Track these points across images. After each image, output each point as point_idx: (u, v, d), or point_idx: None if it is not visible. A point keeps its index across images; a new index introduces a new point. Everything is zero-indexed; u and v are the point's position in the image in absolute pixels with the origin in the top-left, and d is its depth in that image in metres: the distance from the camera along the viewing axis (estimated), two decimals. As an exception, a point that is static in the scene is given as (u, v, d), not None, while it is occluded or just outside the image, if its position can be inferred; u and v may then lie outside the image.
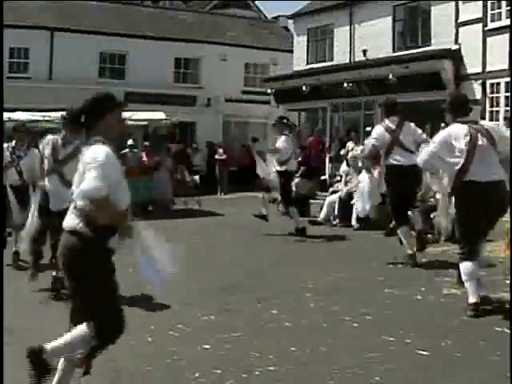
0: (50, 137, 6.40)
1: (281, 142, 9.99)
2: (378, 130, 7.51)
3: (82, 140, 3.56)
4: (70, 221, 3.35)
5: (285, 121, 10.65)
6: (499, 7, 15.07)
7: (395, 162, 7.29)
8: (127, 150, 14.35)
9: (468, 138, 5.16)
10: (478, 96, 15.47)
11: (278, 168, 9.97)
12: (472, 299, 5.19)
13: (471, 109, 5.67)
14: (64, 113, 6.17)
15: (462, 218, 5.29)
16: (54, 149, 6.19)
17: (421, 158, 5.65)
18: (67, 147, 6.13)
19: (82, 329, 3.38)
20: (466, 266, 5.24)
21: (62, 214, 4.84)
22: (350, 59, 19.70)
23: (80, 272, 3.31)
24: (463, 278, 5.28)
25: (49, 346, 3.43)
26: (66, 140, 6.17)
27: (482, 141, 5.20)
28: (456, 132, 5.30)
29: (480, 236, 5.34)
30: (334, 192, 11.85)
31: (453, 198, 5.44)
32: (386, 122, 7.49)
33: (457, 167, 5.18)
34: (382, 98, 8.70)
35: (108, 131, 3.43)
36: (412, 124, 7.74)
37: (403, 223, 7.53)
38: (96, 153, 3.27)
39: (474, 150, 5.16)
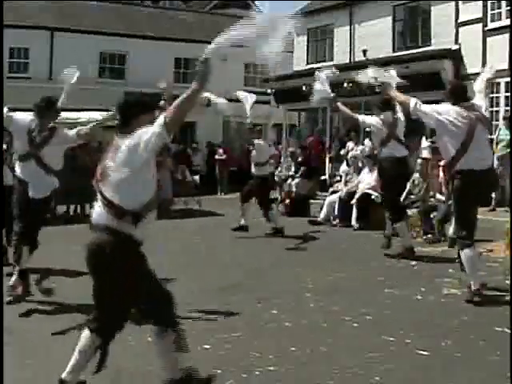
0: (20, 116, 5.86)
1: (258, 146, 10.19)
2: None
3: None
4: (100, 216, 3.35)
5: (258, 128, 10.97)
6: (499, 7, 15.06)
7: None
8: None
9: (466, 127, 5.42)
10: (478, 96, 15.46)
11: (255, 172, 10.07)
12: (476, 285, 5.48)
13: (469, 97, 5.89)
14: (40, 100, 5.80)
15: (461, 207, 5.55)
16: (29, 131, 5.76)
17: (420, 108, 5.89)
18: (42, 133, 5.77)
19: (85, 336, 3.47)
20: (467, 254, 5.51)
21: (47, 201, 5.10)
22: (350, 59, 19.70)
23: (110, 268, 3.31)
24: (466, 265, 5.55)
25: (65, 373, 3.47)
26: (42, 126, 5.77)
27: (479, 127, 5.49)
28: (456, 113, 5.54)
29: (475, 221, 5.67)
30: (334, 192, 11.85)
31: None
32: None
33: (452, 154, 5.46)
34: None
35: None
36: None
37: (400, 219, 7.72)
38: (127, 148, 3.29)
39: (472, 138, 5.41)
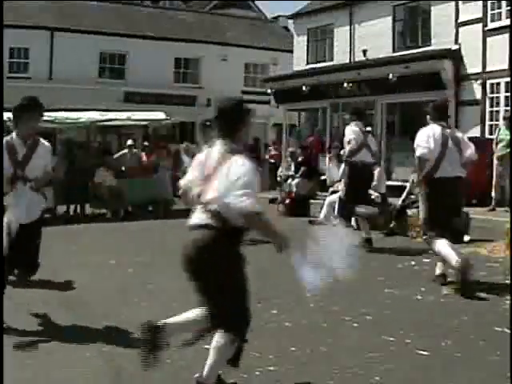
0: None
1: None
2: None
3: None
4: (203, 218, 3.44)
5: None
6: (499, 7, 15.06)
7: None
8: (126, 150, 14.35)
9: (441, 141, 6.25)
10: (478, 96, 15.47)
11: None
12: (456, 263, 5.94)
13: (449, 116, 6.84)
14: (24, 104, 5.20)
15: (431, 208, 6.34)
16: (11, 151, 5.04)
17: (423, 152, 6.36)
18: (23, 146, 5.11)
19: (220, 339, 3.48)
20: (439, 243, 6.17)
21: (34, 225, 4.77)
22: (350, 59, 19.70)
23: (217, 266, 3.41)
24: (439, 250, 6.18)
25: (206, 379, 3.55)
26: (23, 138, 5.11)
27: (450, 145, 6.32)
28: (433, 132, 6.35)
29: (445, 222, 6.27)
30: (334, 192, 11.84)
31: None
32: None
33: (429, 163, 6.26)
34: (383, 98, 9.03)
35: (243, 137, 3.62)
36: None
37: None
38: (246, 167, 3.39)
39: (445, 151, 6.25)
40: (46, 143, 5.27)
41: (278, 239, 3.49)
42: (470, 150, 6.48)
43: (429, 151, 6.26)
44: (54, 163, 6.05)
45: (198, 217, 3.49)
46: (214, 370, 3.54)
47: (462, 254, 6.26)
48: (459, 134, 6.69)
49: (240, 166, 3.40)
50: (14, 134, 5.11)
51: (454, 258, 5.99)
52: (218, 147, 3.54)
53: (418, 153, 6.34)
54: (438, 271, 6.39)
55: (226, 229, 3.37)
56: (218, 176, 3.41)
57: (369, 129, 16.73)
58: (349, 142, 8.64)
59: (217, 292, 3.46)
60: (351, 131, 8.69)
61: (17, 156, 5.02)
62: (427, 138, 6.32)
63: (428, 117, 6.58)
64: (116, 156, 14.51)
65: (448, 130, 6.43)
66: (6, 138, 5.09)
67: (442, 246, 6.15)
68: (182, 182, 3.75)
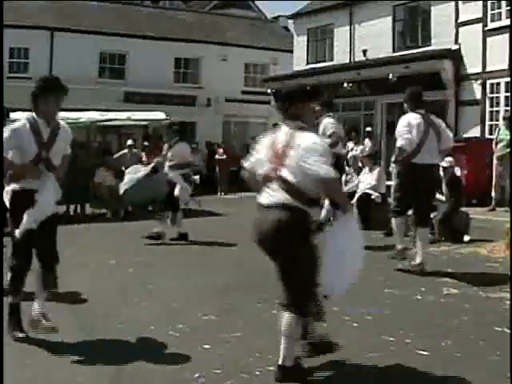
0: (19, 116, 4.94)
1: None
2: None
3: None
4: (282, 196, 3.62)
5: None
6: (499, 7, 15.07)
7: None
8: (126, 150, 14.35)
9: (422, 129, 6.58)
10: (478, 96, 15.48)
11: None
12: (400, 246, 7.12)
13: (424, 102, 7.00)
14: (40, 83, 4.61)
15: (401, 187, 6.98)
16: (35, 131, 4.57)
17: (404, 143, 6.72)
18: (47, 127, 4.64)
19: (288, 319, 3.64)
20: (396, 221, 7.04)
21: (55, 216, 4.61)
22: (350, 59, 19.71)
23: (295, 244, 3.60)
24: (394, 228, 7.08)
25: (281, 360, 3.73)
26: (46, 119, 4.65)
27: (430, 133, 6.63)
28: (412, 121, 6.67)
29: (408, 201, 6.94)
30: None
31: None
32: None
33: (407, 148, 6.61)
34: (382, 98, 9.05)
35: (309, 118, 3.93)
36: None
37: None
38: (317, 139, 3.76)
39: (425, 140, 6.57)
40: (67, 126, 4.93)
41: (347, 203, 3.94)
42: (448, 138, 6.91)
43: (409, 142, 6.62)
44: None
45: (273, 195, 3.67)
46: (288, 351, 3.70)
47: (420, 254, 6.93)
48: (438, 121, 6.92)
49: (312, 137, 3.71)
50: (33, 114, 4.61)
51: (402, 242, 7.15)
52: (284, 128, 3.80)
53: (398, 143, 6.72)
54: (399, 246, 7.19)
55: (302, 206, 3.59)
56: (291, 151, 3.64)
57: (369, 129, 16.81)
58: (330, 136, 8.30)
59: (290, 270, 3.63)
60: (329, 123, 8.46)
61: (42, 137, 4.58)
62: (408, 127, 6.65)
63: (405, 106, 6.97)
64: (116, 156, 14.51)
65: (427, 118, 6.74)
66: (26, 117, 4.62)
67: (398, 225, 7.09)
68: (247, 164, 3.97)
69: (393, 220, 7.12)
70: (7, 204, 4.66)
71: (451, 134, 6.97)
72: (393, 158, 7.52)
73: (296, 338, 3.73)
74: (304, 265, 3.62)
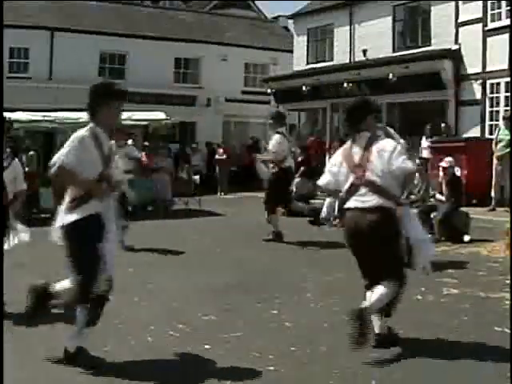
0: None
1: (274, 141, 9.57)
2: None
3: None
4: (374, 199, 4.26)
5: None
6: (499, 7, 15.06)
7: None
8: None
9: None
10: (478, 96, 15.48)
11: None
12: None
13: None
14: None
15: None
16: (99, 144, 4.12)
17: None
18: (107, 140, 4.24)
19: (384, 287, 4.29)
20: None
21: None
22: (350, 59, 19.70)
23: (390, 237, 4.33)
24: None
25: (381, 330, 4.38)
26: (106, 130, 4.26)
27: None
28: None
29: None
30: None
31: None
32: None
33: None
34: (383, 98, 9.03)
35: (374, 127, 4.68)
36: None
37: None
38: (395, 142, 4.56)
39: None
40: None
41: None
42: None
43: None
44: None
45: (364, 200, 4.29)
46: (382, 321, 4.38)
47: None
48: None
49: (390, 142, 4.49)
50: (92, 125, 4.14)
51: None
52: (360, 139, 4.43)
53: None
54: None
55: (389, 204, 4.27)
56: (372, 158, 4.30)
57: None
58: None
59: (388, 255, 4.34)
60: (274, 141, 9.21)
61: (103, 150, 4.11)
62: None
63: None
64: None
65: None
66: (89, 127, 4.13)
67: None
68: (322, 183, 4.75)
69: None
70: (67, 239, 4.02)
71: None
72: None
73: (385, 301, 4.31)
74: (398, 249, 4.42)
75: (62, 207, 4.06)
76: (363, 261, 4.49)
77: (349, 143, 4.51)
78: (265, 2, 59.27)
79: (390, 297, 4.30)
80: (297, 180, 13.80)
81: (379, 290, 4.28)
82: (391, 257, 4.36)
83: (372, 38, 18.56)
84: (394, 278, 4.32)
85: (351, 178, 4.34)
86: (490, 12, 15.23)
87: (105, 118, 4.17)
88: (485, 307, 5.45)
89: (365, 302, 4.32)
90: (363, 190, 4.28)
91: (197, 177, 17.89)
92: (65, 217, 4.01)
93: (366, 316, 4.15)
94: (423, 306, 5.55)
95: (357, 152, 4.38)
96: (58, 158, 4.02)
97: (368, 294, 4.39)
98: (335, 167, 4.53)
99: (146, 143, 15.85)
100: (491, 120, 15.08)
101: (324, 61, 20.87)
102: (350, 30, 19.73)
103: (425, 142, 14.72)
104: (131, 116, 15.46)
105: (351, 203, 4.35)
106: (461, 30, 16.09)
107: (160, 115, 16.02)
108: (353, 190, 4.34)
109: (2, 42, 16.35)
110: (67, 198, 4.04)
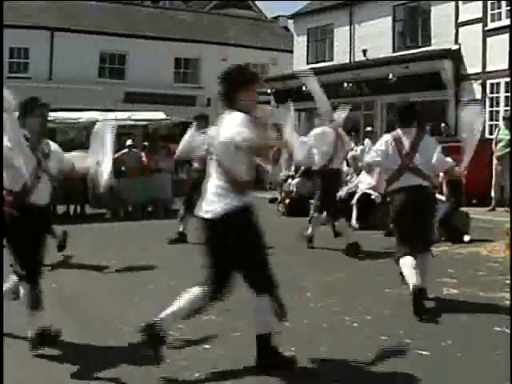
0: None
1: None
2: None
3: None
4: (421, 180, 5.39)
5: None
6: (499, 7, 15.08)
7: None
8: (126, 150, 14.34)
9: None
10: (478, 96, 15.48)
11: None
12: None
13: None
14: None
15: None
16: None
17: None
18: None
19: (427, 257, 5.56)
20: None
21: None
22: (350, 59, 19.72)
23: (433, 205, 5.71)
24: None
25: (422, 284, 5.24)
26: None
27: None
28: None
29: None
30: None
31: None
32: None
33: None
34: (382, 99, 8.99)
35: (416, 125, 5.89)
36: None
37: None
38: (433, 139, 5.91)
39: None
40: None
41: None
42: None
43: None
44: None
45: (413, 179, 5.36)
46: (426, 281, 5.38)
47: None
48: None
49: (430, 139, 5.80)
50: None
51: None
52: (408, 134, 5.47)
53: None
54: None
55: (430, 185, 5.51)
56: (419, 149, 5.40)
57: (369, 129, 16.80)
58: None
59: (428, 222, 5.63)
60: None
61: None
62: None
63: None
64: (116, 156, 14.50)
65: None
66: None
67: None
68: (370, 159, 5.87)
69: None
70: None
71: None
72: None
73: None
74: (434, 217, 5.95)
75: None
76: (411, 228, 5.33)
77: (399, 132, 5.51)
78: (265, 1, 59.32)
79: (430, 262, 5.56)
80: (297, 180, 13.81)
81: (429, 258, 5.56)
82: (432, 226, 5.85)
83: (372, 38, 18.57)
84: (431, 244, 5.67)
85: (399, 162, 5.40)
86: (490, 12, 15.24)
87: (244, 102, 4.12)
88: (485, 307, 5.45)
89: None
90: (410, 174, 5.37)
91: (197, 177, 17.88)
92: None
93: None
94: (423, 306, 5.54)
95: (407, 143, 5.42)
96: None
97: (409, 261, 5.25)
98: (384, 149, 5.53)
99: (146, 143, 15.85)
100: (491, 120, 15.09)
101: (324, 61, 20.88)
102: (350, 30, 19.75)
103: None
104: (131, 116, 15.49)
105: (402, 182, 5.41)
106: (461, 29, 16.10)
107: (160, 115, 16.03)
108: (398, 173, 5.42)
109: (2, 42, 16.33)
110: None
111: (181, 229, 9.22)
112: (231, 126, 3.85)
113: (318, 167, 8.41)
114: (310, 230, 8.75)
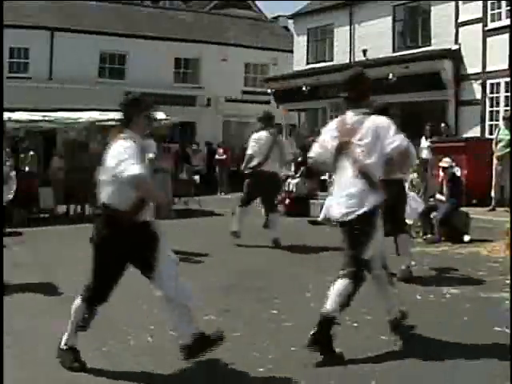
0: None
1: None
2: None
3: None
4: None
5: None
6: (499, 7, 15.07)
7: None
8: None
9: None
10: (478, 96, 15.48)
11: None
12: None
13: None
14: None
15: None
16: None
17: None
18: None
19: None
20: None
21: None
22: (350, 59, 19.70)
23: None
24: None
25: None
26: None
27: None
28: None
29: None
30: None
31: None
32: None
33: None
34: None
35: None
36: None
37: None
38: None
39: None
40: None
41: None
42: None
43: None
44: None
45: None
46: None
47: None
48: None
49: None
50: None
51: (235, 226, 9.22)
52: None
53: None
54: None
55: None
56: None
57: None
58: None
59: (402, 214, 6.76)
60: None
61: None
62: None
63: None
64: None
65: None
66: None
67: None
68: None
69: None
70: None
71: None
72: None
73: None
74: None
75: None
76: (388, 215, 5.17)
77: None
78: (265, 1, 59.31)
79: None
80: (297, 180, 13.81)
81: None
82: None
83: (372, 37, 18.57)
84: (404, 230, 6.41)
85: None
86: (490, 12, 15.23)
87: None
88: (485, 307, 5.45)
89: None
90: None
91: (197, 177, 17.89)
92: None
93: None
94: (423, 306, 5.55)
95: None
96: None
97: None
98: None
99: (146, 143, 15.83)
100: (491, 120, 15.08)
101: (324, 61, 20.87)
102: (350, 30, 19.74)
103: (425, 143, 14.71)
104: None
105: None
106: (461, 30, 16.09)
107: (160, 115, 16.01)
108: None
109: (2, 42, 16.34)
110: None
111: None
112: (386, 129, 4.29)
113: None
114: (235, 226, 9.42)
